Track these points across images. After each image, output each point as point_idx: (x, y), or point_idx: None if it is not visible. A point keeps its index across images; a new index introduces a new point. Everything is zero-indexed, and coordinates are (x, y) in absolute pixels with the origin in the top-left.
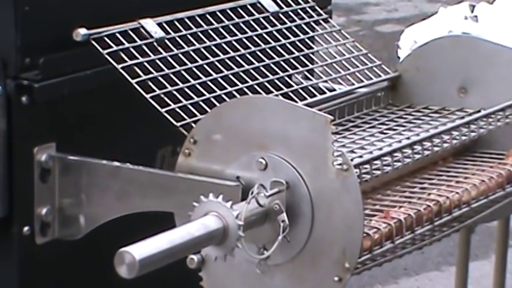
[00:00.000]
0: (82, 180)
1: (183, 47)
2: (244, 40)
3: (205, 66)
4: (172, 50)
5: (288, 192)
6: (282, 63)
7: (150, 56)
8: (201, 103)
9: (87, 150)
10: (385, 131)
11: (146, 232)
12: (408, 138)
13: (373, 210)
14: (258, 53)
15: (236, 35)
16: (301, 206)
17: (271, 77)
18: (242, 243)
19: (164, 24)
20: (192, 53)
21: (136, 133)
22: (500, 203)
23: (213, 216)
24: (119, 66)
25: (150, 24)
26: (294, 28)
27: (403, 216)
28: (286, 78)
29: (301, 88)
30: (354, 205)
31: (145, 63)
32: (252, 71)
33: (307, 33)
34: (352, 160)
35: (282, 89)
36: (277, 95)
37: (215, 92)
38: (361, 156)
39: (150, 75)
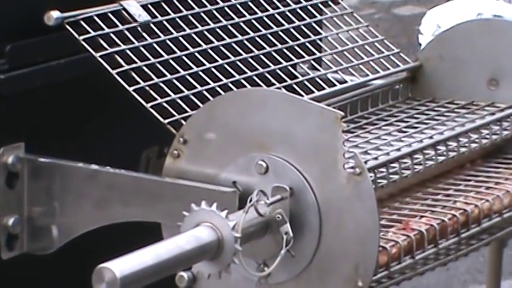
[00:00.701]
0: (55, 186)
1: (172, 33)
2: (242, 25)
3: (196, 54)
4: (159, 36)
5: (292, 200)
6: (286, 51)
7: (133, 42)
8: (192, 97)
9: (60, 151)
10: (403, 129)
11: (129, 245)
12: (431, 137)
13: (390, 220)
14: (258, 39)
15: (232, 18)
16: (308, 216)
17: (272, 67)
18: (239, 258)
19: (150, 6)
20: (181, 39)
21: (118, 131)
22: None
23: (206, 227)
24: (97, 55)
25: (133, 6)
26: (299, 11)
27: (424, 227)
28: (290, 68)
29: (307, 80)
30: (368, 214)
31: (128, 51)
32: (250, 60)
33: (315, 16)
34: (366, 162)
35: (285, 80)
36: (279, 88)
37: (208, 84)
38: (376, 158)
39: (133, 65)
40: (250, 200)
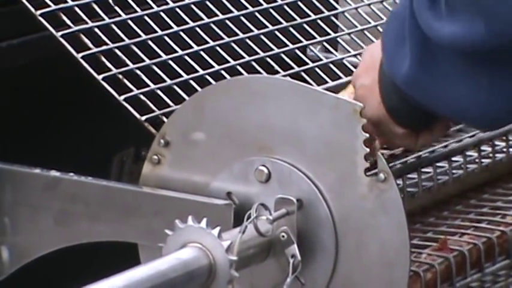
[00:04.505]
0: (5, 197)
1: (151, 7)
2: None
3: (181, 34)
4: (136, 11)
5: (300, 215)
6: (292, 30)
7: (103, 19)
8: (176, 87)
9: (13, 154)
10: None
11: (96, 272)
12: (472, 135)
13: (423, 239)
14: (258, 15)
15: None
16: (320, 234)
17: (276, 50)
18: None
19: None
20: (162, 14)
21: (84, 130)
22: None
23: (194, 248)
24: (58, 34)
25: None
26: None
27: (466, 247)
28: (298, 51)
29: (318, 66)
30: (395, 232)
31: (97, 30)
32: (248, 41)
33: None
34: (392, 167)
35: (292, 67)
36: (285, 76)
37: (196, 71)
38: (405, 161)
39: (103, 47)
40: (249, 216)
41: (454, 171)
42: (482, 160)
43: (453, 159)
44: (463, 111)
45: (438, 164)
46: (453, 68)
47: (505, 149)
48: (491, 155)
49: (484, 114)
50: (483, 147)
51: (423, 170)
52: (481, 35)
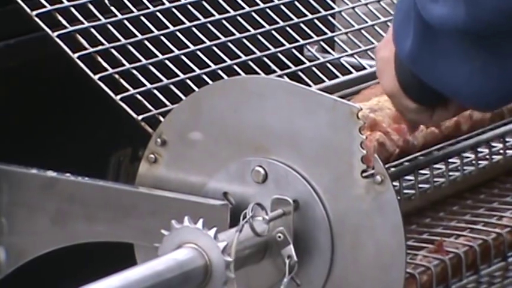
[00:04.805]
0: (2, 198)
1: (147, 7)
2: None
3: (178, 34)
4: (132, 11)
5: (296, 215)
6: (289, 29)
7: (99, 19)
8: (172, 87)
9: (9, 154)
10: None
11: (94, 272)
12: (469, 137)
13: (419, 240)
14: (254, 14)
15: None
16: (316, 235)
17: (273, 49)
18: None
19: None
20: (159, 14)
21: (82, 129)
22: None
23: (190, 249)
24: (54, 34)
25: None
26: None
27: (462, 249)
28: (295, 51)
29: (315, 66)
30: (391, 233)
31: (92, 30)
32: (245, 40)
33: None
34: (388, 169)
35: (289, 67)
36: (281, 76)
37: (192, 71)
38: (401, 163)
39: (100, 47)
40: (245, 216)
41: (451, 173)
42: (479, 162)
43: (450, 160)
44: (458, 90)
45: (435, 166)
46: (450, 49)
47: (502, 151)
48: (488, 156)
49: (478, 95)
50: (480, 149)
51: (420, 171)
52: (463, 18)
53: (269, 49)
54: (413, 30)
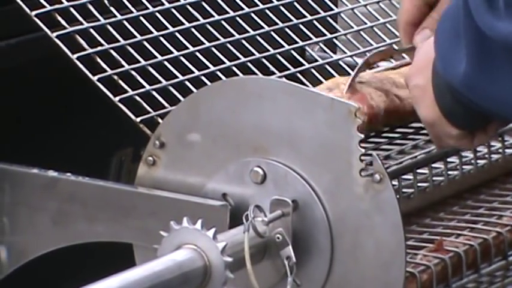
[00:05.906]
0: (4, 197)
1: (146, 7)
2: None
3: (177, 35)
4: (131, 12)
5: (295, 216)
6: (288, 31)
7: (98, 19)
8: (171, 88)
9: (10, 154)
10: None
11: (93, 272)
12: None
13: (419, 240)
14: (254, 16)
15: None
16: (316, 235)
17: (272, 51)
18: None
19: None
20: (158, 15)
21: (82, 129)
22: None
23: (189, 250)
24: (53, 35)
25: None
26: None
27: (462, 248)
28: (294, 52)
29: (315, 67)
30: (391, 232)
31: (92, 30)
32: (244, 42)
33: None
34: (387, 168)
35: (288, 68)
36: (280, 77)
37: (191, 72)
38: (400, 162)
39: (98, 48)
40: (247, 217)
41: (450, 172)
42: (479, 162)
43: (449, 160)
44: None
45: (434, 165)
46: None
47: (501, 150)
48: (487, 155)
49: None
50: (479, 149)
51: (419, 170)
52: None
53: (268, 50)
54: (465, 52)
